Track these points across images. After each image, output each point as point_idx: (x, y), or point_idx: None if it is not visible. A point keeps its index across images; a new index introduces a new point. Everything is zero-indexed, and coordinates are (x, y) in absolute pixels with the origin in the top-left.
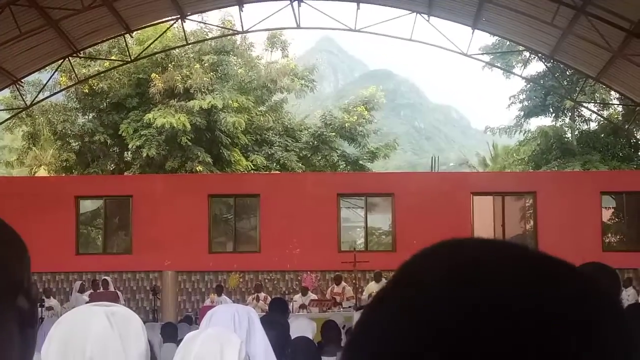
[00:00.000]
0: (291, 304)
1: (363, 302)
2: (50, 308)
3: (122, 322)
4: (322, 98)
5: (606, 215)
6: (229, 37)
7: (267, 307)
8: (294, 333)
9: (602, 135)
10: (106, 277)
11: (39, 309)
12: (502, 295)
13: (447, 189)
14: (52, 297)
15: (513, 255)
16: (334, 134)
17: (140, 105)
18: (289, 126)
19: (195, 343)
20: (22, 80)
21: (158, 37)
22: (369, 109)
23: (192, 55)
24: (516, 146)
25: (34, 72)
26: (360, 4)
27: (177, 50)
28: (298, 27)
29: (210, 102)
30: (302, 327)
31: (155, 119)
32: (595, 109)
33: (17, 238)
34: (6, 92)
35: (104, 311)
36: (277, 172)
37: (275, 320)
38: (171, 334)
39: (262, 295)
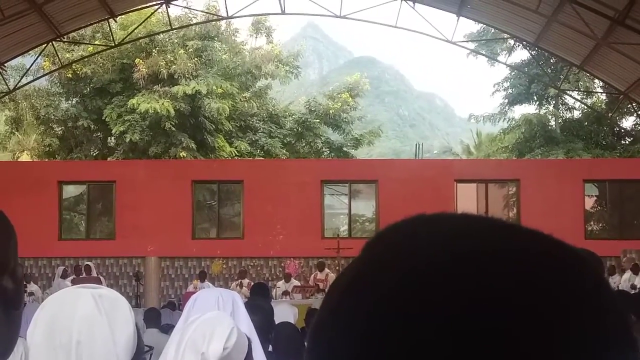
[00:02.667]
0: (274, 290)
1: None
2: (31, 294)
3: (109, 304)
4: (306, 85)
5: (589, 203)
6: (213, 22)
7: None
8: (276, 319)
9: (586, 123)
10: (89, 263)
11: None
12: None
13: (430, 176)
14: (32, 283)
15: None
16: (318, 120)
17: (124, 91)
18: (273, 112)
19: (191, 327)
20: (5, 65)
21: (142, 22)
22: (353, 95)
23: (176, 40)
24: (500, 134)
25: (17, 56)
26: None
27: (161, 35)
28: (283, 12)
29: (194, 87)
30: (284, 312)
31: (139, 104)
32: (579, 97)
33: (3, 219)
34: None
35: (91, 293)
36: (261, 158)
37: (258, 305)
38: (154, 319)
39: (245, 281)
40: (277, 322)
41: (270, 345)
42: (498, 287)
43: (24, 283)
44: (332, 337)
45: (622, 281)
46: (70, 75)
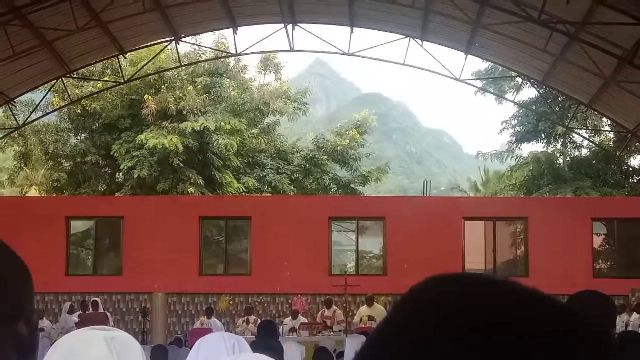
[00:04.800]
0: (282, 328)
1: (354, 326)
2: (42, 329)
3: (122, 348)
4: (314, 121)
5: (597, 241)
6: (222, 59)
7: (257, 330)
8: (284, 357)
9: (594, 161)
10: (96, 299)
11: None
12: None
13: (438, 213)
14: (44, 319)
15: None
16: (326, 157)
17: (132, 127)
18: (281, 149)
19: None
20: (15, 100)
21: (152, 59)
22: (361, 132)
23: (185, 77)
24: (508, 172)
25: (27, 92)
26: (354, 29)
27: (170, 72)
28: (292, 50)
29: (202, 124)
30: (292, 351)
31: (147, 140)
32: (587, 136)
33: (20, 264)
34: None
35: (104, 336)
36: (269, 194)
37: (268, 345)
38: (161, 357)
39: (252, 318)
40: None
41: None
42: None
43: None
44: None
45: (632, 320)
46: (79, 111)
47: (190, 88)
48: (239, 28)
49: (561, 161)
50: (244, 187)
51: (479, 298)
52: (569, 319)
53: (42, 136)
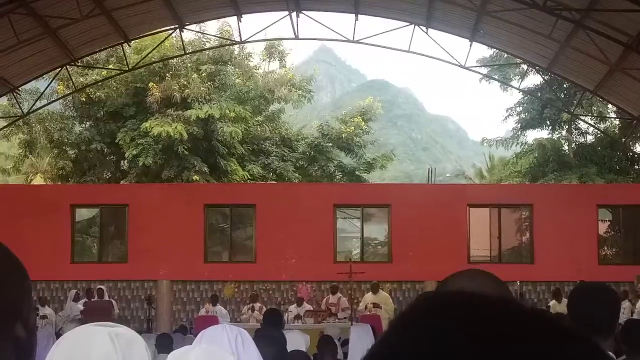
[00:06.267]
0: (286, 315)
1: (359, 313)
2: (44, 317)
3: (125, 344)
4: (319, 108)
5: (602, 228)
6: (226, 47)
7: (262, 317)
8: (288, 347)
9: (599, 148)
10: (101, 286)
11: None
12: None
13: (443, 200)
14: (47, 306)
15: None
16: (330, 144)
17: (137, 114)
18: (285, 136)
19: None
20: (20, 89)
21: (156, 47)
22: (366, 119)
23: (189, 64)
24: (513, 158)
25: (31, 80)
26: (359, 15)
27: (175, 59)
28: (296, 37)
29: (207, 111)
30: (295, 341)
31: (152, 128)
32: (592, 122)
33: (18, 265)
34: (3, 100)
35: (108, 332)
36: (274, 182)
37: (271, 335)
38: (166, 345)
39: (257, 305)
40: (289, 351)
41: None
42: None
43: (37, 306)
44: None
45: (638, 307)
46: (83, 99)
47: (195, 76)
48: (243, 15)
49: (566, 148)
50: (249, 174)
51: (471, 322)
52: (561, 338)
53: (46, 124)
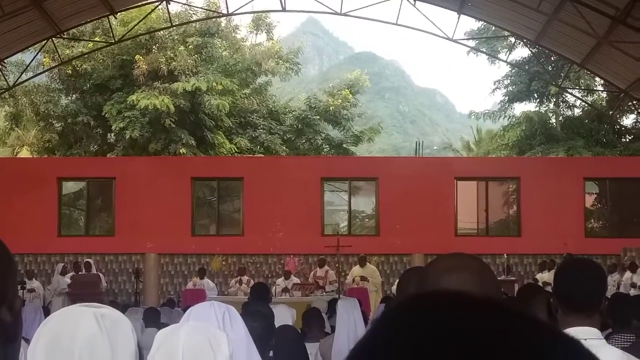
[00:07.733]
0: (274, 288)
1: (347, 286)
2: (32, 290)
3: (111, 325)
4: (306, 81)
5: (589, 201)
6: (213, 19)
7: (249, 291)
8: (275, 322)
9: (586, 121)
10: (88, 260)
11: (21, 291)
12: None
13: (431, 173)
14: (34, 279)
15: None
16: (318, 117)
17: (123, 87)
18: (273, 109)
19: (179, 336)
20: (5, 61)
21: (142, 19)
22: (353, 92)
23: (176, 37)
24: (500, 131)
25: (17, 52)
26: None
27: (161, 32)
28: (284, 10)
29: (194, 84)
30: (282, 315)
31: (138, 100)
32: (579, 95)
33: (3, 249)
34: None
35: (93, 312)
36: (261, 155)
37: (258, 310)
38: (154, 319)
39: (245, 278)
40: (277, 326)
41: (271, 351)
42: None
43: (24, 280)
44: None
45: (624, 279)
46: (70, 72)
47: (182, 48)
48: None
49: (553, 121)
50: (236, 147)
51: (458, 322)
52: (546, 337)
53: (32, 97)
